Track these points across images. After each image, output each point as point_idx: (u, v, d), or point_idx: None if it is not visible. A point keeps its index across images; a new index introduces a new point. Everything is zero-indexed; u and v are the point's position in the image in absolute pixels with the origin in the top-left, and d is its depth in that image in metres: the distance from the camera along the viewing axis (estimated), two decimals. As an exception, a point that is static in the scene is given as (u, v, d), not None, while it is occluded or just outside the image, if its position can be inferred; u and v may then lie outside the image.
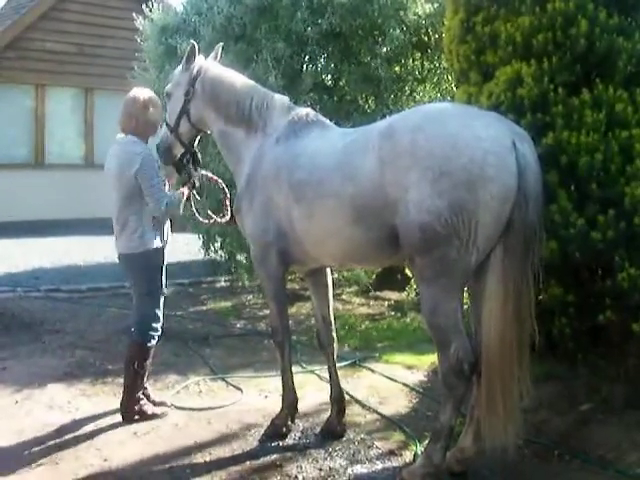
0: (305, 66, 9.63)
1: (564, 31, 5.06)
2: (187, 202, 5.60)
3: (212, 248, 10.39)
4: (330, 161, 4.56)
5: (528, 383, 4.25)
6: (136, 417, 5.47)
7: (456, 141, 4.04)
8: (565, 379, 5.44)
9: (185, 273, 11.03)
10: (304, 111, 5.09)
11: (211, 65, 5.43)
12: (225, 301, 9.83)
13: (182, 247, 10.97)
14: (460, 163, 3.98)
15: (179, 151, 5.55)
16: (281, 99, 5.21)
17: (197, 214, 5.77)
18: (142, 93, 5.55)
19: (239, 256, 9.87)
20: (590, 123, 4.94)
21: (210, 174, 5.79)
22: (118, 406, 5.55)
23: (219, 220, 5.83)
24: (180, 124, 5.43)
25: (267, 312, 8.54)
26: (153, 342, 5.52)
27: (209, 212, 5.90)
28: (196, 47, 5.38)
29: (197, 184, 5.61)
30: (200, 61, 5.41)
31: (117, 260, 5.69)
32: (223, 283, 10.79)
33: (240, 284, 10.24)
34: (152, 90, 5.88)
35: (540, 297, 4.91)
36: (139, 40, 10.52)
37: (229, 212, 5.72)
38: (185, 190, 5.53)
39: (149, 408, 5.56)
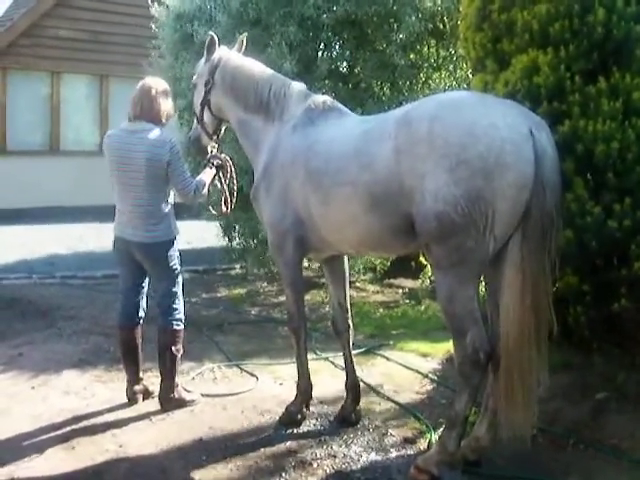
0: (320, 53, 9.60)
1: (581, 19, 5.03)
2: (212, 185, 5.66)
3: (231, 235, 10.39)
4: (346, 149, 4.56)
5: (545, 372, 4.25)
6: (175, 404, 5.51)
7: (473, 129, 4.02)
8: (580, 368, 5.44)
9: (199, 260, 11.06)
10: (321, 98, 5.10)
11: (231, 55, 5.47)
12: (240, 288, 9.86)
13: (196, 234, 11.00)
14: (477, 151, 3.96)
15: (207, 141, 5.63)
16: (299, 87, 5.22)
17: (222, 201, 5.78)
18: (157, 82, 5.55)
19: (250, 243, 9.87)
20: (607, 111, 4.92)
21: (228, 157, 5.78)
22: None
23: (223, 211, 5.84)
24: (204, 114, 5.51)
25: (282, 299, 8.63)
26: (182, 325, 5.56)
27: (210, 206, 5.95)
28: (215, 38, 5.42)
29: (224, 166, 5.64)
30: (220, 51, 5.45)
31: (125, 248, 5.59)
32: (238, 270, 10.81)
33: (255, 271, 10.26)
34: (167, 77, 5.90)
35: (556, 286, 4.90)
36: (154, 27, 10.51)
37: (228, 202, 5.76)
38: (209, 175, 5.55)
39: (186, 395, 5.59)
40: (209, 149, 5.67)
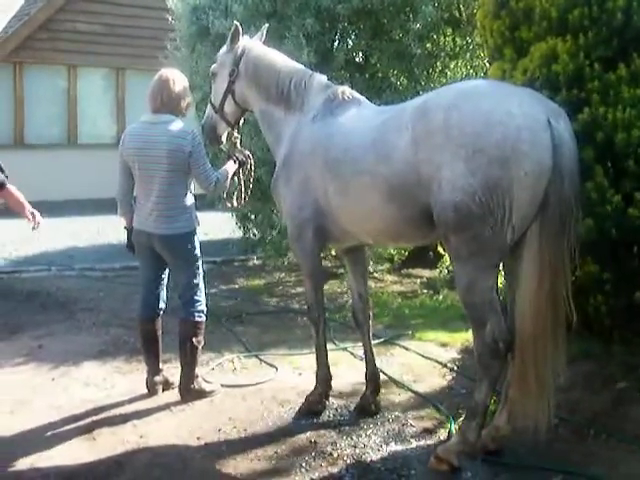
0: (336, 43, 9.58)
1: (600, 6, 5.00)
2: (233, 180, 5.69)
3: (247, 226, 10.40)
4: (364, 139, 4.55)
5: (563, 362, 4.23)
6: (195, 395, 5.53)
7: (489, 118, 4.00)
8: (600, 357, 5.42)
9: (217, 251, 11.07)
10: (340, 89, 5.09)
11: (254, 45, 5.47)
12: (258, 279, 9.87)
13: (214, 225, 11.01)
14: (494, 140, 3.94)
15: (224, 131, 5.64)
16: (319, 78, 5.21)
17: (239, 192, 5.79)
18: (174, 73, 5.55)
19: (267, 233, 9.87)
20: (627, 99, 4.89)
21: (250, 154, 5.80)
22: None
23: (236, 204, 5.87)
24: (225, 104, 5.50)
25: (300, 290, 8.64)
26: (204, 317, 5.58)
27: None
28: (240, 28, 5.41)
29: (246, 162, 5.67)
30: (244, 41, 5.45)
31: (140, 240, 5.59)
32: (256, 261, 10.82)
33: (272, 262, 10.27)
34: (183, 69, 5.91)
35: (576, 275, 4.88)
36: (170, 19, 10.51)
37: (242, 196, 5.80)
38: (231, 168, 5.57)
39: (206, 385, 5.61)
40: (233, 140, 5.68)
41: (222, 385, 5.74)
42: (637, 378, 5.10)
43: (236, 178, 5.76)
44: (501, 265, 4.41)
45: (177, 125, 5.36)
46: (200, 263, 5.58)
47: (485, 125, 3.98)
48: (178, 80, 5.47)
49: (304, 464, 4.51)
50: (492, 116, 4.00)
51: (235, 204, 5.90)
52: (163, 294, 5.68)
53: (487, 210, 3.98)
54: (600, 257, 5.05)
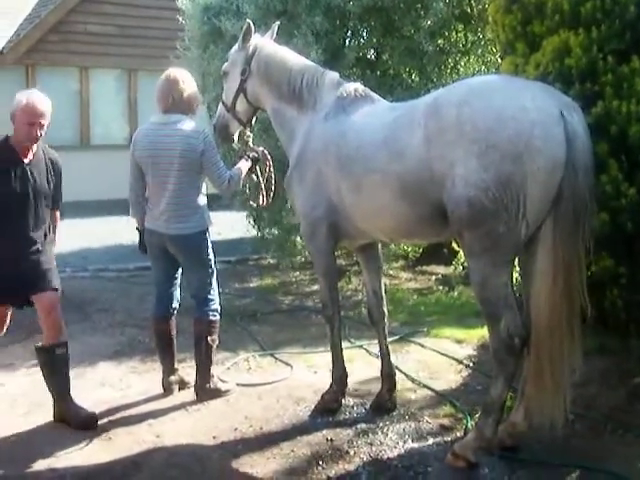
0: (347, 41, 9.57)
1: (613, -2, 4.97)
2: (248, 177, 5.70)
3: (260, 225, 10.39)
4: (377, 137, 4.54)
5: (579, 357, 4.21)
6: (210, 395, 5.53)
7: (501, 113, 3.98)
8: (616, 352, 5.40)
9: (231, 251, 11.08)
10: (352, 86, 5.08)
11: (266, 43, 5.45)
12: (272, 278, 9.88)
13: (227, 225, 11.01)
14: (506, 135, 3.93)
15: (236, 129, 5.63)
16: (331, 75, 5.20)
17: (261, 192, 5.79)
18: (182, 72, 5.55)
19: (279, 232, 9.85)
20: (640, 91, 4.86)
21: (266, 151, 5.78)
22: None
23: (261, 204, 5.86)
24: (237, 102, 5.48)
25: (314, 288, 8.64)
26: (218, 316, 5.58)
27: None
28: (252, 26, 5.40)
29: (260, 159, 5.67)
30: (256, 40, 5.44)
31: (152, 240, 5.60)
32: (270, 260, 10.82)
33: (285, 261, 10.26)
34: (195, 70, 5.91)
35: (591, 269, 4.86)
36: (181, 20, 10.52)
37: (265, 195, 5.78)
38: (244, 166, 5.55)
39: (222, 385, 5.62)
40: (245, 139, 5.67)
41: (237, 384, 5.75)
42: (654, 373, 5.09)
43: (254, 176, 5.74)
44: (516, 261, 4.40)
45: (189, 125, 5.36)
46: (213, 262, 5.58)
47: (498, 120, 3.97)
48: (187, 79, 5.48)
49: (321, 462, 4.51)
50: (505, 111, 3.98)
51: (261, 203, 5.87)
52: (177, 293, 5.69)
53: (501, 206, 3.96)
54: (615, 251, 5.02)
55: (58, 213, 5.50)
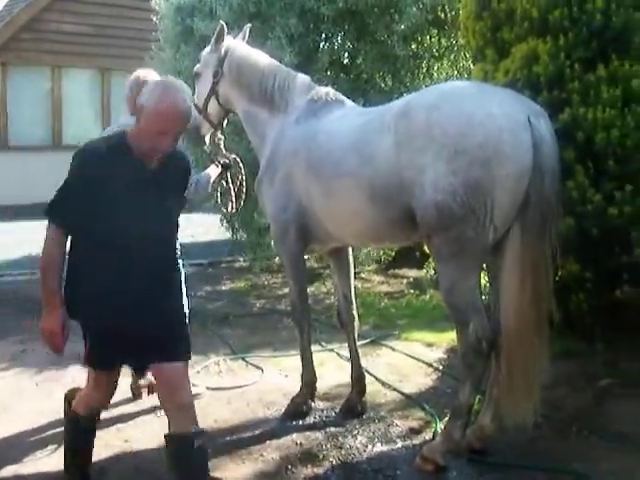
0: (321, 44, 9.58)
1: (580, 7, 5.05)
2: (218, 183, 5.67)
3: (234, 227, 10.39)
4: (347, 141, 4.56)
5: (546, 360, 4.26)
6: None
7: (471, 119, 4.02)
8: (583, 355, 5.47)
9: (204, 253, 11.06)
10: (324, 90, 5.10)
11: (238, 45, 5.45)
12: (244, 281, 9.85)
13: (199, 227, 10.99)
14: (475, 141, 3.97)
15: (207, 132, 5.61)
16: (302, 79, 5.21)
17: (231, 198, 5.78)
18: (153, 74, 5.52)
19: (250, 235, 9.86)
20: (606, 99, 4.94)
21: (238, 159, 5.76)
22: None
23: (229, 210, 5.85)
24: (209, 104, 5.47)
25: (286, 291, 8.63)
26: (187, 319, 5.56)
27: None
28: (225, 28, 5.39)
29: (231, 166, 5.64)
30: (228, 42, 5.43)
31: None
32: (242, 263, 10.81)
33: (259, 264, 10.26)
34: (168, 70, 5.89)
35: (559, 274, 4.91)
36: (155, 20, 10.50)
37: (235, 201, 5.77)
38: (213, 172, 5.53)
39: (192, 389, 5.59)
40: (217, 142, 5.65)
41: (207, 388, 5.74)
42: (619, 375, 5.15)
43: (224, 182, 5.73)
44: (485, 265, 4.44)
45: None
46: (181, 265, 5.55)
47: (467, 126, 4.01)
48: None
49: (290, 466, 4.51)
50: (474, 117, 4.02)
51: (230, 209, 5.86)
52: None
53: (469, 210, 4.00)
54: (581, 256, 5.09)
55: None
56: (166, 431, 3.95)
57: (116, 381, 3.99)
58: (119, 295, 3.58)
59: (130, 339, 3.59)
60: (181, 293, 4.10)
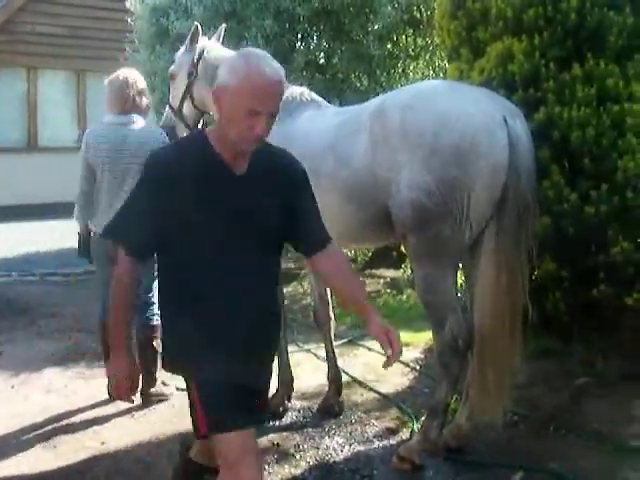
0: (297, 44, 9.58)
1: (555, 6, 5.05)
2: None
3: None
4: (323, 141, 4.55)
5: (519, 358, 4.27)
6: (156, 399, 5.51)
7: (446, 118, 4.02)
8: (560, 354, 5.47)
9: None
10: (298, 90, 5.08)
11: (213, 46, 5.41)
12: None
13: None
14: (450, 140, 3.97)
15: (182, 132, 5.56)
16: None
17: None
18: (135, 73, 5.50)
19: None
20: (581, 98, 4.94)
21: None
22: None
23: None
24: (184, 105, 5.43)
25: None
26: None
27: None
28: (199, 28, 5.36)
29: None
30: (202, 42, 5.40)
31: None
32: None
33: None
34: (143, 71, 5.86)
35: (535, 273, 4.92)
36: (130, 21, 10.45)
37: None
38: None
39: (165, 389, 5.58)
40: None
41: (177, 389, 5.64)
42: (596, 374, 5.16)
43: None
44: (461, 264, 4.44)
45: (146, 124, 5.32)
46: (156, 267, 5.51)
47: (442, 125, 4.00)
48: (140, 80, 5.45)
49: (267, 466, 4.47)
50: (449, 116, 4.02)
51: None
52: None
53: (444, 209, 3.99)
54: (558, 255, 5.10)
55: None
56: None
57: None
58: (229, 334, 2.93)
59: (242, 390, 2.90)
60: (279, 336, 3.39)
